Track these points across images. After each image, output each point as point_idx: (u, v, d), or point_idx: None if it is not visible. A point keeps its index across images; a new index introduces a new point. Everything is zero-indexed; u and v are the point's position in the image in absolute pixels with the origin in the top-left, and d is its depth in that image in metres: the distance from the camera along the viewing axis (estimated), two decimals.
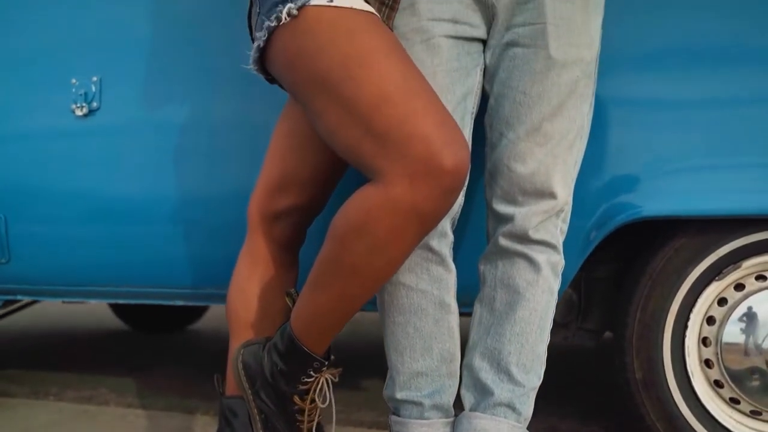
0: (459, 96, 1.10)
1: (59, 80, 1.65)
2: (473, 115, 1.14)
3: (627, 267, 1.50)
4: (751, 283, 1.36)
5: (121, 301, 1.72)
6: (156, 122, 1.60)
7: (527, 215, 1.07)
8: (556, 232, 1.10)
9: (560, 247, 1.11)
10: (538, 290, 1.08)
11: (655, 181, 1.32)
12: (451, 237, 1.12)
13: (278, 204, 1.24)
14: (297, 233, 1.27)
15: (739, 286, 1.37)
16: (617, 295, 1.51)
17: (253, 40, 1.16)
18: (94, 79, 1.63)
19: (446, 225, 1.10)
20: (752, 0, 1.27)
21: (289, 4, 1.02)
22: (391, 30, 1.13)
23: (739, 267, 1.35)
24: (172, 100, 1.59)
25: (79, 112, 1.63)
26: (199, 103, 1.58)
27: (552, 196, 1.07)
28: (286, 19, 1.01)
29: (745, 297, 1.36)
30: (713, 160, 1.30)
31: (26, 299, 1.81)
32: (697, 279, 1.36)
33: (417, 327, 1.10)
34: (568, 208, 1.12)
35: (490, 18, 1.12)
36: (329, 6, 1.01)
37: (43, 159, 1.66)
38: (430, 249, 1.09)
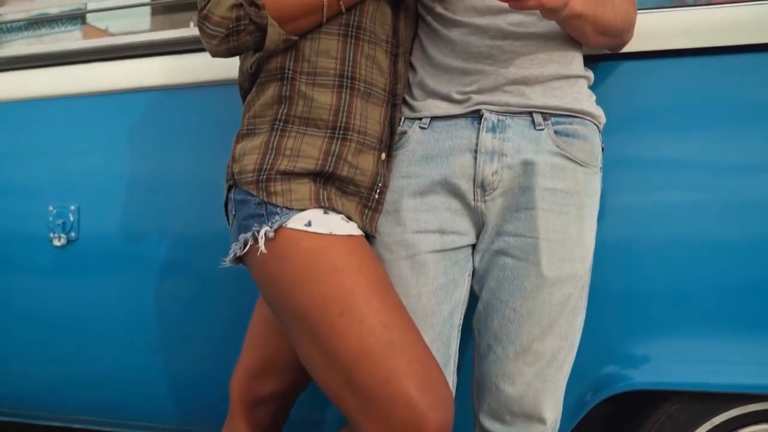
0: (446, 314, 1.05)
1: (36, 208, 1.59)
2: (460, 327, 1.09)
3: (621, 411, 1.47)
4: None
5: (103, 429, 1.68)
6: (136, 255, 1.55)
7: None
8: None
9: None
10: None
11: (649, 352, 1.28)
12: None
13: (260, 390, 1.19)
14: (280, 416, 1.23)
15: None
16: None
17: (228, 220, 1.11)
18: (72, 207, 1.57)
19: None
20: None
21: (266, 227, 0.97)
22: (374, 233, 1.07)
23: None
24: (152, 233, 1.54)
25: (57, 242, 1.58)
26: (180, 237, 1.53)
27: (541, 420, 1.03)
28: (263, 249, 0.96)
29: None
30: (708, 333, 1.26)
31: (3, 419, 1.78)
32: None
33: None
34: (558, 419, 1.08)
35: (479, 224, 1.06)
36: (308, 232, 0.96)
37: (21, 288, 1.62)
38: None
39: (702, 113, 1.26)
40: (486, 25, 1.07)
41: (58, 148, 1.60)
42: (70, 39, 1.75)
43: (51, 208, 1.59)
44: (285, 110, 1.03)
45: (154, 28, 1.87)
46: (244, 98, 1.12)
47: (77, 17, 1.77)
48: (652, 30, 1.27)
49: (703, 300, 1.25)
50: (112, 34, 1.95)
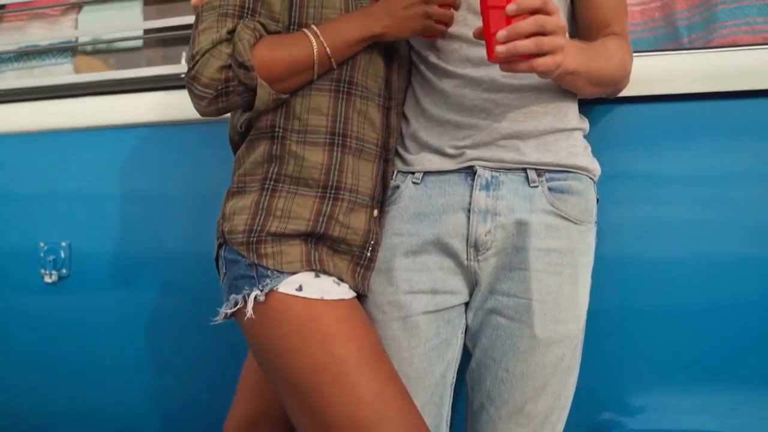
0: (438, 375, 1.04)
1: (27, 244, 1.58)
2: (453, 386, 1.08)
3: None
4: None
5: None
6: (128, 291, 1.53)
7: None
8: None
9: None
10: None
11: (645, 400, 1.27)
12: None
13: None
14: None
15: None
16: None
17: (219, 275, 1.09)
18: (63, 244, 1.56)
19: None
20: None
21: (256, 290, 0.96)
22: (367, 292, 1.06)
23: None
24: (144, 269, 1.53)
25: (48, 279, 1.56)
26: (172, 273, 1.51)
27: None
28: (251, 314, 0.95)
29: None
30: (703, 383, 1.25)
31: None
32: None
33: None
34: None
35: (473, 283, 1.05)
36: (298, 297, 0.95)
37: (12, 324, 1.60)
38: None
39: (699, 159, 1.25)
40: (480, 77, 1.06)
41: (49, 184, 1.58)
42: (61, 71, 1.73)
43: (42, 244, 1.57)
44: (276, 169, 1.01)
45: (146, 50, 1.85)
46: (234, 151, 1.10)
47: (68, 50, 1.75)
48: (648, 74, 1.25)
49: (698, 350, 1.24)
50: (104, 53, 1.93)
